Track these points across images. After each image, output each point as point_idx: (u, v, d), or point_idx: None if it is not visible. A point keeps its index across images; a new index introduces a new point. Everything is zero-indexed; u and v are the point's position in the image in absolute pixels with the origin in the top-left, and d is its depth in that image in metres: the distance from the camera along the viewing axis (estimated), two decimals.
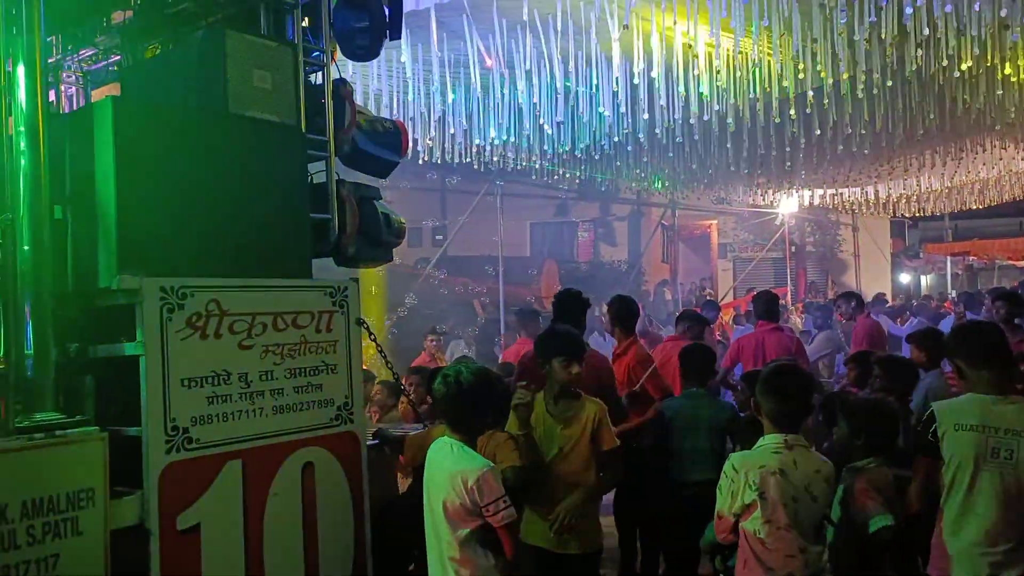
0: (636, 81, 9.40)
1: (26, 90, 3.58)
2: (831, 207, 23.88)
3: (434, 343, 9.90)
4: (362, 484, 4.28)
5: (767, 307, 8.28)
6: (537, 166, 14.78)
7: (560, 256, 22.63)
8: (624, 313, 6.30)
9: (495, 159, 13.91)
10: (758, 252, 25.16)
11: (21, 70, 3.58)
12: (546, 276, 19.71)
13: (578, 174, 17.02)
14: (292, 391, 4.05)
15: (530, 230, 24.65)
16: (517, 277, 18.38)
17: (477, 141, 12.29)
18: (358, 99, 5.24)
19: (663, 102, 9.86)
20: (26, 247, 3.51)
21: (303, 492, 4.01)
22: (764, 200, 22.23)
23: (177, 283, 3.66)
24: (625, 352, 6.08)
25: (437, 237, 21.92)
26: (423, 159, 12.76)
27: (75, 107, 6.08)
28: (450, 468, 3.62)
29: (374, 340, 4.84)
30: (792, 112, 10.92)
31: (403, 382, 5.89)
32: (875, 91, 10.49)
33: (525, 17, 8.15)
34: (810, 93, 10.12)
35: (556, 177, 16.69)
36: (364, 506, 4.27)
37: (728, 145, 12.82)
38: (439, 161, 12.95)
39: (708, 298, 18.37)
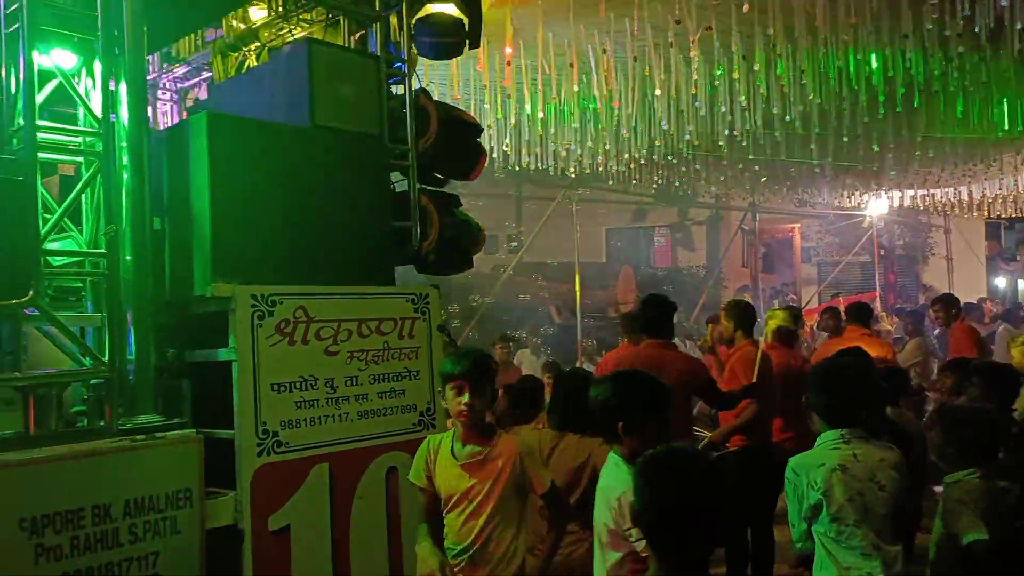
0: (716, 83, 9.24)
1: (128, 107, 3.76)
2: (922, 208, 22.99)
3: (504, 351, 9.85)
4: None
5: (858, 312, 8.16)
6: (613, 171, 14.68)
7: (636, 262, 22.42)
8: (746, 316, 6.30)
9: (571, 165, 13.89)
10: (844, 256, 24.40)
11: (123, 88, 3.77)
12: (622, 282, 19.55)
13: (656, 179, 16.84)
14: (376, 396, 4.13)
15: (606, 236, 24.50)
16: (593, 283, 18.29)
17: (554, 148, 12.30)
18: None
19: (743, 102, 9.67)
20: (128, 257, 3.68)
21: (387, 496, 4.08)
22: (851, 202, 21.56)
23: (267, 291, 3.77)
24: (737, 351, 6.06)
25: (512, 244, 21.99)
26: (498, 165, 12.83)
27: (170, 122, 6.36)
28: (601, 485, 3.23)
29: (455, 347, 4.88)
30: (881, 111, 10.56)
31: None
32: (968, 87, 10.06)
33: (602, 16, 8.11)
34: (901, 90, 9.77)
35: (633, 182, 16.56)
36: None
37: (812, 146, 12.48)
38: (515, 168, 13.01)
39: (791, 303, 17.90)
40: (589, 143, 12.22)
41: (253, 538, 3.61)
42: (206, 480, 3.51)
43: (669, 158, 13.84)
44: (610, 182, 16.36)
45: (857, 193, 20.51)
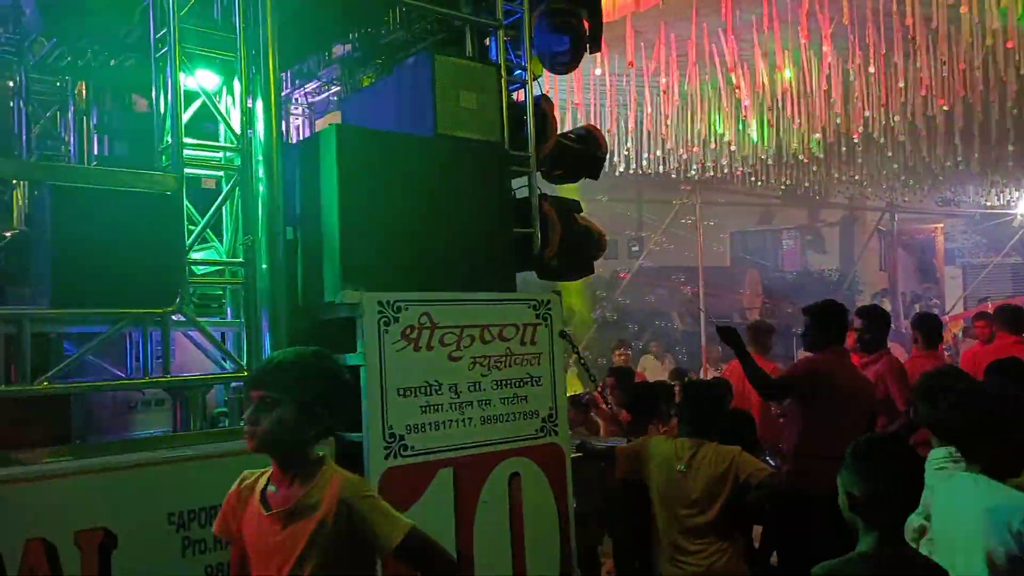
0: (852, 78, 8.82)
1: (264, 123, 3.94)
2: None
3: (623, 356, 9.76)
4: (567, 496, 4.30)
5: (1011, 317, 7.50)
6: (739, 172, 14.26)
7: (763, 266, 21.69)
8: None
9: (694, 167, 13.61)
10: (992, 257, 22.75)
11: (259, 105, 3.95)
12: (748, 287, 18.96)
13: (784, 179, 16.25)
14: (499, 402, 4.15)
15: (731, 239, 23.84)
16: (717, 288, 17.83)
17: (675, 150, 12.08)
18: (556, 112, 5.31)
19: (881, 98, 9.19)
20: (264, 266, 3.85)
21: (510, 502, 4.08)
22: (999, 200, 20.10)
23: (392, 297, 3.86)
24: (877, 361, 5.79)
25: (633, 248, 21.73)
26: (619, 170, 12.72)
27: (302, 136, 6.63)
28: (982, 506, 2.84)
29: (576, 352, 4.86)
30: None
31: (604, 390, 5.91)
32: None
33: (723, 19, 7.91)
34: None
35: (759, 183, 16.04)
36: (569, 518, 4.29)
37: (956, 141, 11.71)
38: (636, 171, 12.86)
39: (932, 309, 16.84)
40: (713, 144, 11.92)
41: None
42: None
43: (799, 158, 13.32)
44: (735, 183, 15.91)
45: (1007, 190, 19.09)
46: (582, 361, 5.45)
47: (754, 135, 11.26)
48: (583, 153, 5.06)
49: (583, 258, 4.96)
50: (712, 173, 14.44)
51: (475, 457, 4.01)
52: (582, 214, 4.95)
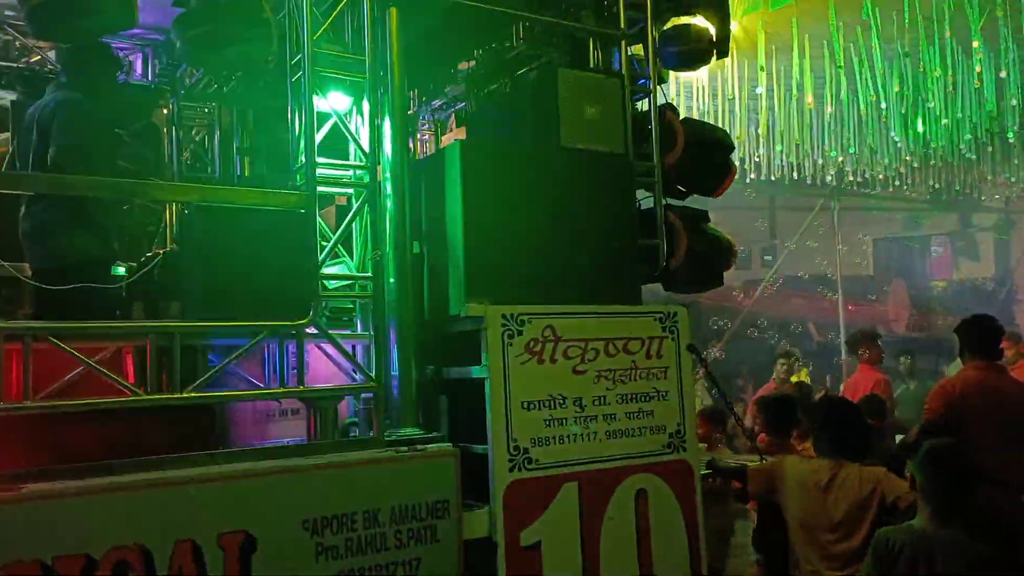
0: (1003, 74, 8.20)
1: (391, 141, 4.06)
2: None
3: (785, 367, 9.25)
4: (696, 515, 4.17)
5: None
6: (880, 176, 13.51)
7: (909, 274, 20.44)
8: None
9: (831, 172, 12.99)
10: None
11: (387, 124, 4.07)
12: (893, 297, 17.92)
13: (932, 182, 15.26)
14: (624, 416, 4.08)
15: (873, 246, 22.61)
16: (859, 298, 16.94)
17: (812, 155, 11.57)
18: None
19: None
20: (391, 280, 3.96)
21: (637, 519, 4.00)
22: None
23: (516, 310, 3.87)
24: None
25: (766, 258, 20.98)
26: (750, 177, 12.32)
27: (427, 152, 6.79)
28: None
29: (705, 367, 4.72)
30: None
31: (746, 412, 5.70)
32: None
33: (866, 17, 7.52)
34: None
35: (904, 187, 15.13)
36: (699, 538, 4.15)
37: None
38: (768, 178, 12.41)
39: None
40: (853, 148, 11.35)
41: (506, 552, 3.69)
42: (462, 493, 3.65)
43: (948, 159, 12.48)
44: (877, 188, 15.07)
45: None
46: (711, 375, 5.28)
47: (897, 136, 10.64)
48: (708, 167, 4.91)
49: (712, 269, 4.82)
50: (852, 177, 13.75)
51: (600, 472, 3.95)
52: (711, 223, 4.81)
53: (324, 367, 3.96)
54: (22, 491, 2.83)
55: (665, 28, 4.75)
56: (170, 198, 4.57)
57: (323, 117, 4.04)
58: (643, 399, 4.16)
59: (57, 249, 3.75)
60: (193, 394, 3.41)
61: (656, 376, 4.20)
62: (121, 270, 4.26)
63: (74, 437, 3.32)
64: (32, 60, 6.16)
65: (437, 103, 6.16)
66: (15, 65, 5.87)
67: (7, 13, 4.72)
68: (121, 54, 5.78)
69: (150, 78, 6.20)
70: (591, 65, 4.66)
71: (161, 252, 4.30)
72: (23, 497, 2.81)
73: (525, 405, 3.81)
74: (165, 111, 6.41)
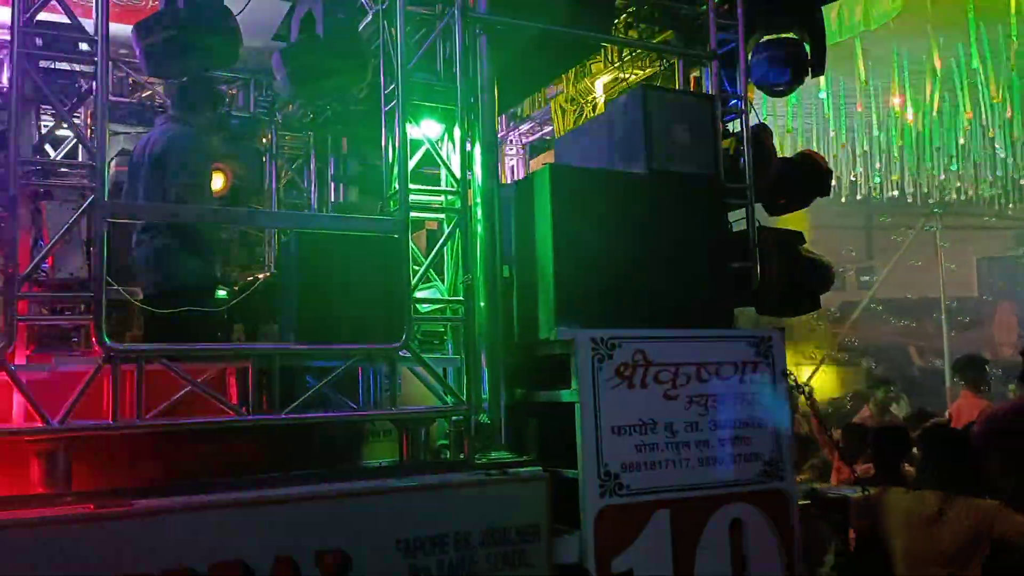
0: None
1: (482, 167, 4.11)
2: None
3: (888, 397, 8.85)
4: (795, 547, 4.03)
5: None
6: (987, 194, 12.90)
7: (1018, 296, 19.37)
8: None
9: (933, 190, 12.48)
10: None
11: (478, 150, 4.13)
12: (1000, 319, 17.00)
13: None
14: (717, 443, 3.99)
15: (978, 266, 21.53)
16: (963, 321, 16.15)
17: (912, 173, 11.15)
18: (774, 139, 5.09)
19: None
20: (482, 303, 3.99)
21: (732, 550, 3.89)
22: None
23: (606, 334, 3.84)
24: None
25: (863, 279, 20.25)
26: (845, 196, 11.95)
27: (516, 176, 6.85)
28: None
29: (802, 393, 4.58)
30: None
31: (838, 438, 5.49)
32: None
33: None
34: None
35: (1010, 205, 14.39)
36: (797, 571, 4.00)
37: None
38: (865, 197, 12.02)
39: None
40: (956, 165, 10.89)
41: None
42: (552, 517, 3.62)
43: None
44: (981, 205, 14.39)
45: None
46: (809, 402, 5.11)
47: (1003, 151, 10.16)
48: (804, 178, 4.79)
49: (808, 292, 4.68)
50: (954, 196, 13.17)
51: (693, 500, 3.86)
52: (806, 245, 4.68)
53: (416, 389, 4.01)
54: (132, 507, 2.95)
55: (757, 46, 4.67)
56: (272, 225, 4.74)
57: (415, 144, 4.13)
58: (737, 425, 4.06)
59: (169, 275, 3.93)
60: (292, 415, 3.50)
61: (751, 402, 4.10)
62: (222, 293, 4.45)
63: (179, 455, 3.46)
64: (143, 95, 6.53)
65: (525, 126, 6.23)
66: (128, 100, 6.24)
67: (121, 51, 5.01)
68: (224, 87, 6.07)
69: (251, 109, 6.49)
70: (680, 86, 4.62)
71: (261, 277, 4.47)
72: (133, 513, 2.94)
73: (616, 430, 3.77)
74: (264, 140, 6.69)
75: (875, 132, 9.45)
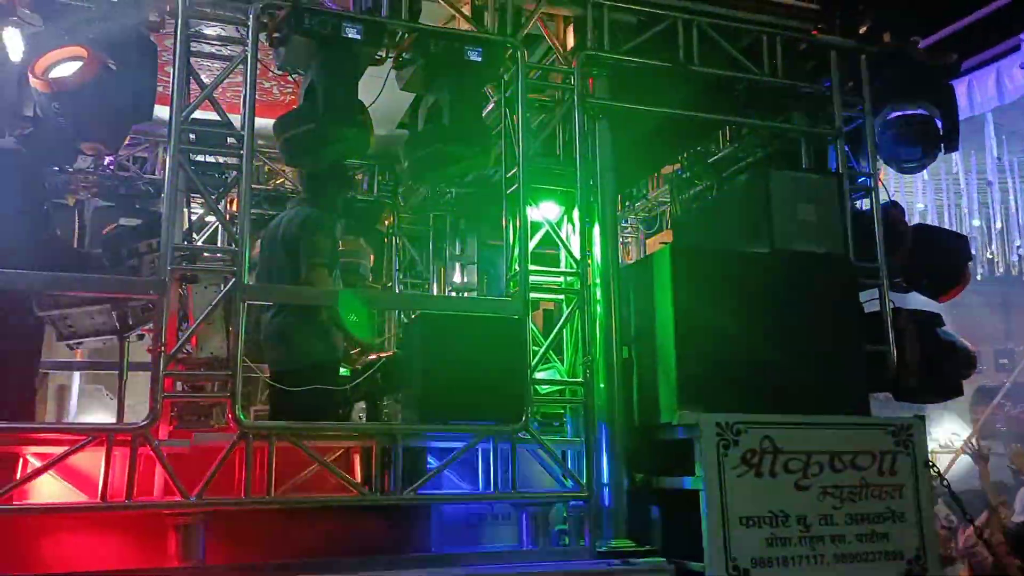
0: None
1: (600, 247, 4.13)
2: None
3: None
4: None
5: None
6: None
7: None
8: None
9: None
10: None
11: (597, 231, 4.15)
12: None
13: None
14: (855, 539, 3.74)
15: None
16: None
17: None
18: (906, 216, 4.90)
19: None
20: (601, 385, 3.94)
21: None
22: None
23: (732, 419, 3.71)
24: None
25: (1001, 361, 18.90)
26: (980, 275, 11.28)
27: (632, 255, 6.83)
28: None
29: (947, 487, 4.27)
30: None
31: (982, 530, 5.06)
32: None
33: None
34: None
35: None
36: None
37: None
38: (1003, 274, 11.32)
39: None
40: None
41: None
42: None
43: None
44: None
45: None
46: (952, 494, 4.75)
47: None
48: (941, 263, 4.57)
49: (947, 377, 4.41)
50: None
51: None
52: (945, 327, 4.43)
53: (534, 471, 3.96)
54: None
55: (886, 123, 4.54)
56: (397, 307, 4.87)
57: (535, 226, 4.18)
58: (876, 520, 3.80)
59: (296, 353, 4.07)
60: (414, 495, 3.51)
61: (890, 495, 3.84)
62: (343, 371, 4.56)
63: (306, 531, 3.51)
64: (277, 182, 6.95)
65: (642, 205, 6.23)
66: (264, 187, 6.66)
67: (259, 142, 5.37)
68: (351, 172, 6.38)
69: (375, 192, 6.79)
70: (804, 164, 4.53)
71: (383, 356, 4.57)
72: None
73: (744, 521, 3.60)
74: (387, 222, 6.96)
75: (1012, 208, 8.96)
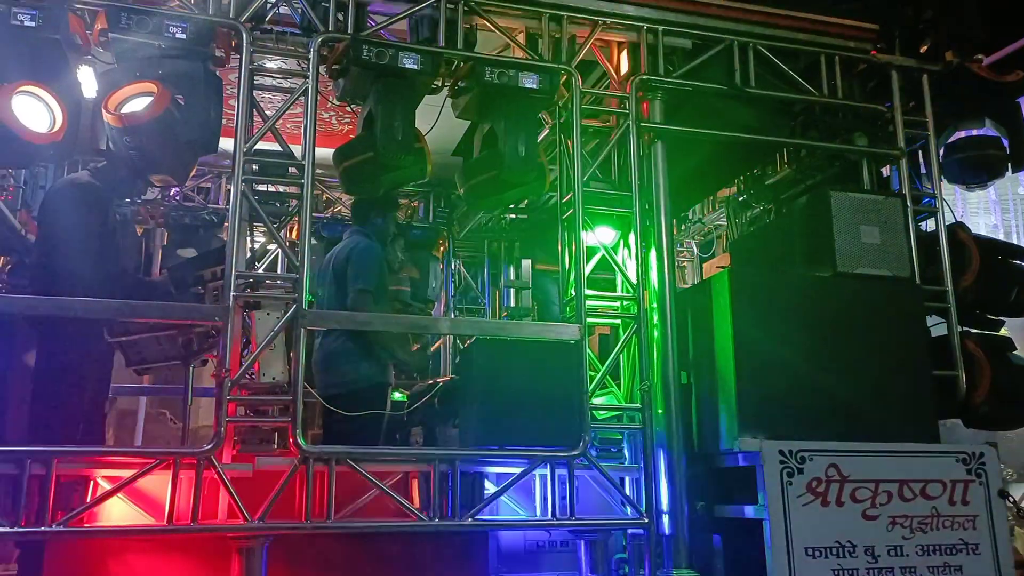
0: None
1: (657, 272, 4.10)
2: None
3: None
4: None
5: None
6: None
7: None
8: None
9: None
10: None
11: (653, 255, 4.12)
12: None
13: None
14: (926, 571, 3.60)
15: None
16: None
17: None
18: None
19: None
20: (659, 410, 3.89)
21: None
22: None
23: (796, 446, 3.63)
24: None
25: None
26: None
27: (688, 279, 6.77)
28: None
29: (1021, 514, 4.09)
30: None
31: None
32: None
33: None
34: None
35: None
36: None
37: None
38: None
39: None
40: None
41: None
42: None
43: None
44: None
45: None
46: None
47: None
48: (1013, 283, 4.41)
49: (1021, 404, 4.24)
50: None
51: None
52: (1016, 351, 4.27)
53: (592, 498, 3.92)
54: None
55: (950, 141, 4.44)
56: (454, 332, 4.89)
57: (591, 250, 4.17)
58: (948, 551, 3.66)
59: (346, 376, 4.12)
60: (472, 521, 3.51)
61: (963, 525, 3.70)
62: (397, 395, 4.59)
63: (365, 555, 3.53)
64: (335, 210, 7.09)
65: (697, 229, 6.18)
66: (322, 216, 6.79)
67: (318, 171, 5.48)
68: (396, 195, 6.48)
69: (431, 219, 6.87)
70: (866, 185, 4.45)
71: (441, 381, 4.59)
72: None
73: (809, 552, 3.50)
74: (442, 248, 7.03)
75: None
